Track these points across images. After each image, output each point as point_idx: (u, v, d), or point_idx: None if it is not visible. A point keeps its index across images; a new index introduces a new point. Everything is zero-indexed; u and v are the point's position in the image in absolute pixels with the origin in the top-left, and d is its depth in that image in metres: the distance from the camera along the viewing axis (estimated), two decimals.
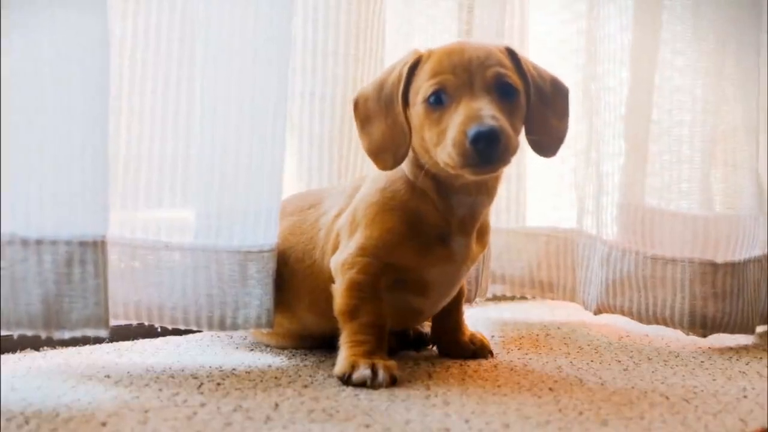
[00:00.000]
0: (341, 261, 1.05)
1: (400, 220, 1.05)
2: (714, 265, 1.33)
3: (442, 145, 0.97)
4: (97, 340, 1.19)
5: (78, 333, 0.95)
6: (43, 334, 0.94)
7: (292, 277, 1.13)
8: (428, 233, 1.05)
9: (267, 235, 1.10)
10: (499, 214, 1.54)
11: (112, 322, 1.14)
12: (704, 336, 1.34)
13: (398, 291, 1.07)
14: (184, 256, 1.09)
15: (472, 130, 0.93)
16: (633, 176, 1.40)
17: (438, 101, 0.99)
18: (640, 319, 1.38)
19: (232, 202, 1.09)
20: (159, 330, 1.21)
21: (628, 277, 1.38)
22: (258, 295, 1.10)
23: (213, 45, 1.08)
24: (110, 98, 1.07)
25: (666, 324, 1.36)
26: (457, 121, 0.96)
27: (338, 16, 1.31)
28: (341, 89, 1.32)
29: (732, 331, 1.35)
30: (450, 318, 1.19)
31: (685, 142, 1.38)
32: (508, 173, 1.53)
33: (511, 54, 1.05)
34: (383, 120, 1.04)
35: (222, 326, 1.10)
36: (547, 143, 1.07)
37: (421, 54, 1.04)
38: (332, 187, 1.23)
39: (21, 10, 0.91)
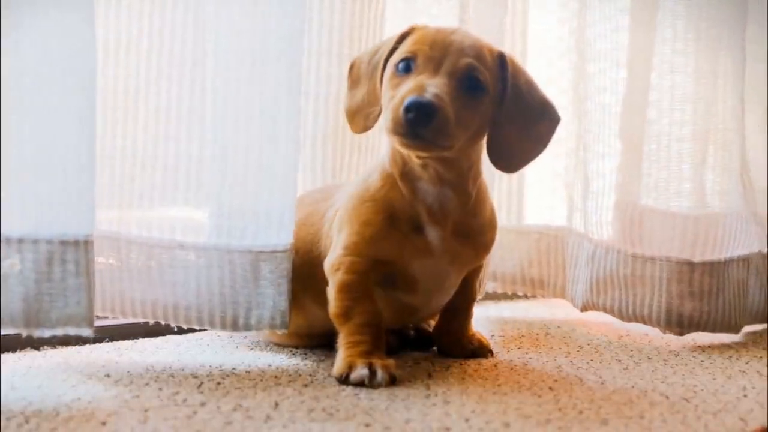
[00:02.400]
0: (330, 263, 1.06)
1: (375, 211, 1.05)
2: (691, 264, 1.33)
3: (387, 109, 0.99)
4: (97, 339, 1.19)
5: (59, 332, 0.95)
6: (24, 333, 0.94)
7: (300, 268, 1.13)
8: (403, 222, 1.05)
9: (280, 236, 1.10)
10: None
11: (128, 320, 1.16)
12: (681, 335, 1.34)
13: (388, 288, 1.08)
14: (198, 256, 1.09)
15: (408, 99, 0.94)
16: (629, 175, 1.40)
17: (406, 69, 1.00)
18: (621, 317, 1.37)
19: (244, 202, 1.09)
20: (160, 328, 1.21)
21: (611, 275, 1.37)
22: (271, 296, 1.09)
23: (224, 44, 1.08)
24: (127, 99, 1.08)
25: (644, 322, 1.35)
26: (403, 89, 0.97)
27: (332, 16, 1.30)
28: (335, 88, 1.31)
29: (712, 330, 1.34)
30: (456, 319, 1.18)
31: (676, 140, 1.38)
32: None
33: (500, 59, 1.04)
34: (366, 84, 1.07)
35: (235, 326, 1.10)
36: (506, 157, 1.06)
37: (416, 26, 1.05)
38: (346, 182, 1.24)
39: (7, 10, 0.90)
